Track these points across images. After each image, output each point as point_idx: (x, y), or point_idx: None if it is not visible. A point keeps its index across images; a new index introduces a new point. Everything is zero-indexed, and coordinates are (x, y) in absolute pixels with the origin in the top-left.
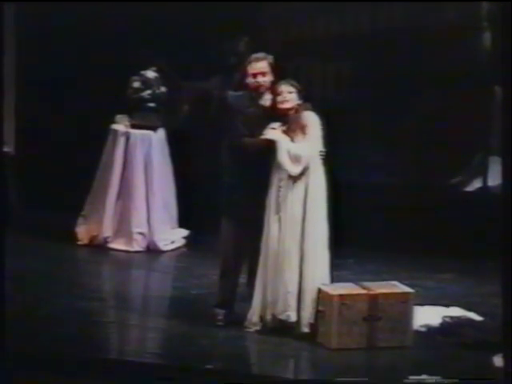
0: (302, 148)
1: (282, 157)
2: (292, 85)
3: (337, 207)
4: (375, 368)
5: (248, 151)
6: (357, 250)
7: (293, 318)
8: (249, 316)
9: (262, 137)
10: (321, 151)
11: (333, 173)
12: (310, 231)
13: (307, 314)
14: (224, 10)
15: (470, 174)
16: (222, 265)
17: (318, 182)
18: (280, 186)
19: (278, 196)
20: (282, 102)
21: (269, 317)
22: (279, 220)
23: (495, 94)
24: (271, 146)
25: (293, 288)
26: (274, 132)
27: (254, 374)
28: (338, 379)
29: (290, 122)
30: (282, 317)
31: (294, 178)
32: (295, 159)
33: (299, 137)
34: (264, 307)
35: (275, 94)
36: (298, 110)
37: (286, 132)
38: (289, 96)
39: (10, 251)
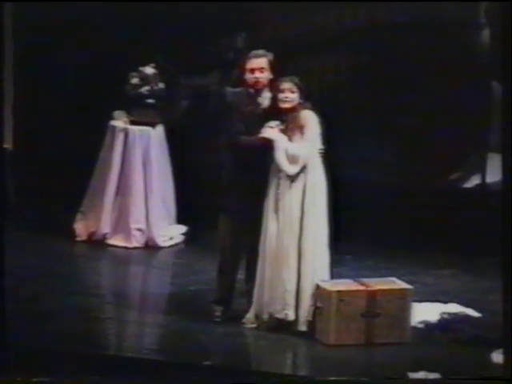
0: (299, 148)
1: (280, 156)
2: (295, 83)
3: (335, 204)
4: (373, 364)
5: (245, 149)
6: (355, 245)
7: (291, 316)
8: (247, 314)
9: (260, 135)
10: (320, 149)
11: (332, 170)
12: (309, 230)
13: (305, 313)
14: (222, 6)
15: (468, 170)
16: (220, 261)
17: (316, 180)
18: (278, 185)
19: (276, 194)
20: (284, 102)
21: (265, 315)
22: (277, 219)
23: (494, 90)
24: (268, 144)
25: (291, 287)
26: (271, 131)
27: (251, 370)
28: (336, 378)
29: (289, 122)
30: (280, 315)
31: (292, 177)
32: (292, 159)
33: (297, 136)
34: (260, 306)
35: (277, 91)
36: (297, 108)
37: (283, 131)
38: (291, 96)
39: (9, 247)
